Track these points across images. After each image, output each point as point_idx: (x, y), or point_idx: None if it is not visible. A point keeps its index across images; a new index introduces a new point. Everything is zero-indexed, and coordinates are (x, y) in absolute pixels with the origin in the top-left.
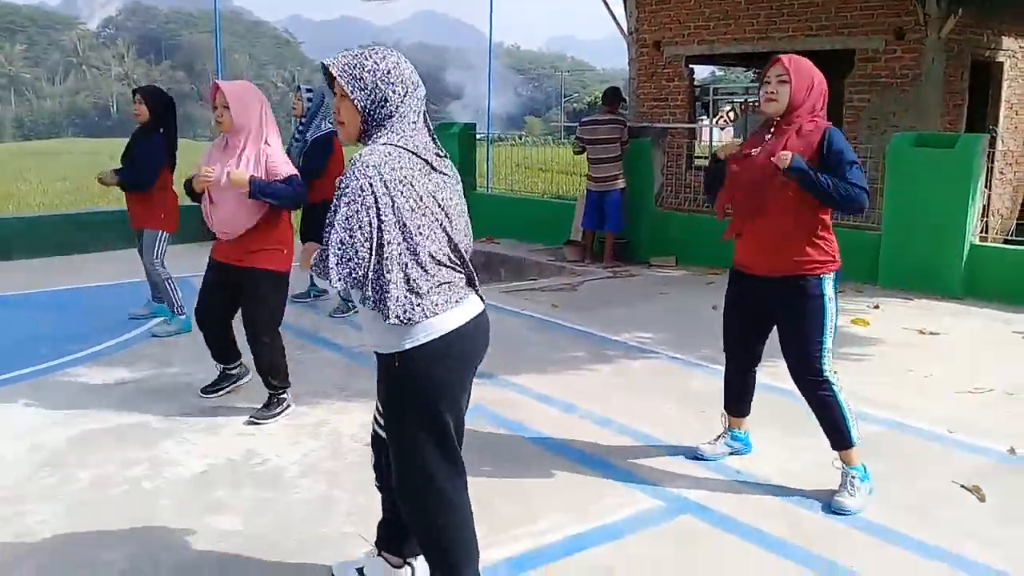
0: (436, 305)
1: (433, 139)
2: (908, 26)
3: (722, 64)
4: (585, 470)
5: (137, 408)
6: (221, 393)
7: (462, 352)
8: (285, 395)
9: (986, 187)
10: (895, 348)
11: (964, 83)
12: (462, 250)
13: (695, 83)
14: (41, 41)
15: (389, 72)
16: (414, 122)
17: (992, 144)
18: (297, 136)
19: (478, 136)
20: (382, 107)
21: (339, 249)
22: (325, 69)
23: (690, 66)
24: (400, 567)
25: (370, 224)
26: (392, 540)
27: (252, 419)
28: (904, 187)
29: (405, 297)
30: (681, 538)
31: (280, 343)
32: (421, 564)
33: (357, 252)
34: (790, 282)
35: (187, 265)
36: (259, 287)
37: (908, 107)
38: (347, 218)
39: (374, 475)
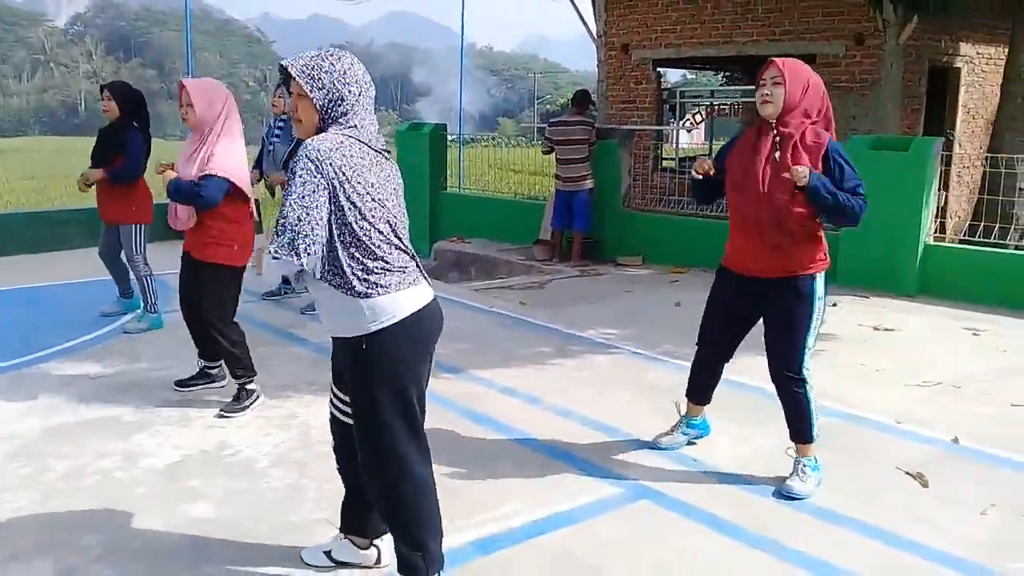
0: (391, 285)
1: (379, 137)
2: (867, 32)
3: (690, 67)
4: (547, 459)
5: (110, 401)
6: (195, 389)
7: (421, 332)
8: (253, 386)
9: (943, 189)
10: (849, 344)
11: (922, 88)
12: (406, 241)
13: (664, 86)
14: (7, 38)
15: (345, 73)
16: (363, 118)
17: (949, 148)
18: (279, 133)
19: (450, 137)
20: (338, 105)
21: (296, 226)
22: (283, 69)
23: (658, 69)
24: (366, 548)
25: (324, 203)
26: (356, 523)
27: (222, 412)
28: None
29: (361, 274)
30: (638, 522)
31: (235, 335)
32: (386, 545)
33: (313, 229)
34: (786, 282)
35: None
36: (204, 277)
37: (867, 111)
38: (302, 197)
39: (335, 456)
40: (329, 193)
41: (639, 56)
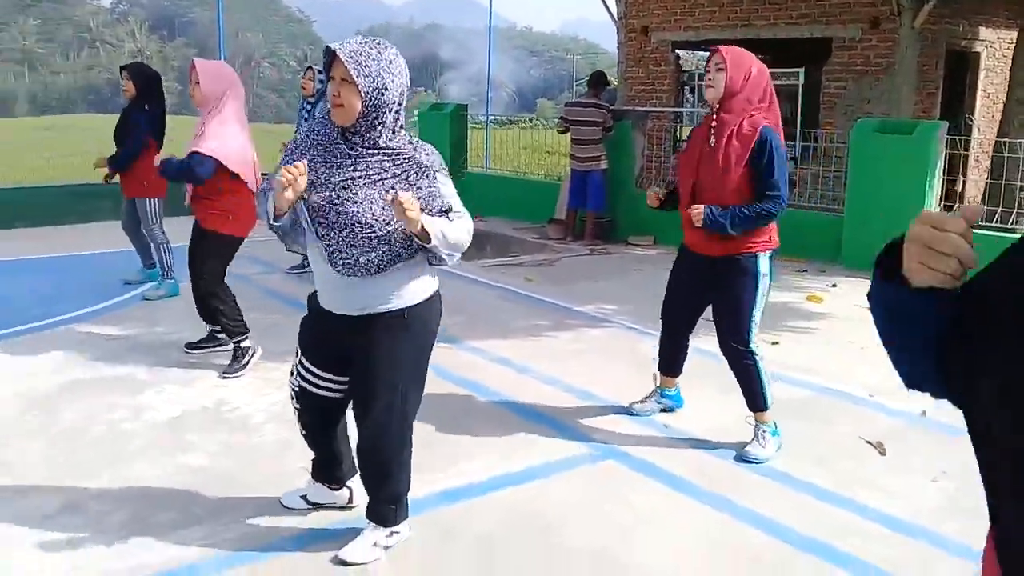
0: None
1: None
2: (883, 16)
3: (708, 50)
4: (524, 421)
5: (124, 361)
6: (203, 351)
7: (440, 308)
8: (247, 343)
9: (961, 174)
10: (842, 322)
11: (939, 72)
12: None
13: (684, 69)
14: (55, 16)
15: (391, 62)
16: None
17: (968, 132)
18: (305, 115)
19: (483, 119)
20: (382, 94)
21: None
22: (331, 52)
23: (677, 51)
24: (338, 490)
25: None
26: (328, 471)
27: (224, 374)
28: (866, 172)
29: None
30: (599, 480)
31: (223, 294)
32: (357, 485)
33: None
34: (731, 260)
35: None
36: (200, 243)
37: (882, 95)
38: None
39: (300, 429)
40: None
41: (658, 38)
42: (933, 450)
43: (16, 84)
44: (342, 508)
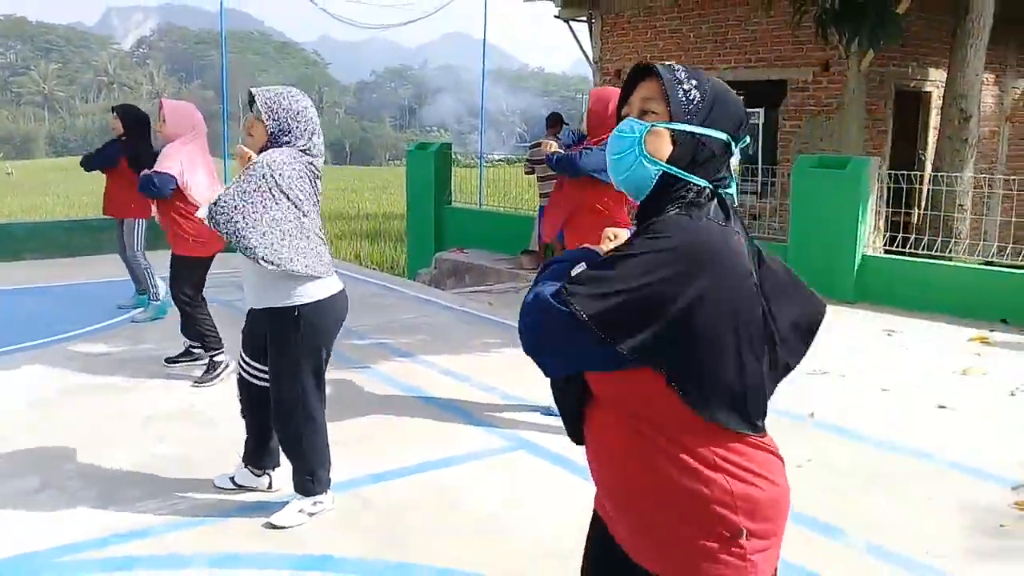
0: (313, 267)
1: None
2: (833, 59)
3: None
4: (454, 419)
5: (110, 373)
6: (180, 365)
7: (335, 311)
8: (221, 357)
9: (917, 207)
10: None
11: (887, 111)
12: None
13: None
14: (75, 60)
15: (299, 113)
16: (306, 144)
17: (923, 167)
18: None
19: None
20: (285, 135)
21: (227, 205)
22: (251, 95)
23: None
24: (260, 475)
25: (264, 198)
26: (254, 456)
27: (197, 382)
28: (806, 203)
29: (290, 252)
30: (509, 466)
31: (200, 313)
32: (277, 474)
33: (233, 212)
34: None
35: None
36: (175, 268)
37: (832, 133)
38: (246, 191)
39: (240, 414)
40: (270, 190)
41: None
42: (805, 442)
43: (37, 127)
44: (263, 491)
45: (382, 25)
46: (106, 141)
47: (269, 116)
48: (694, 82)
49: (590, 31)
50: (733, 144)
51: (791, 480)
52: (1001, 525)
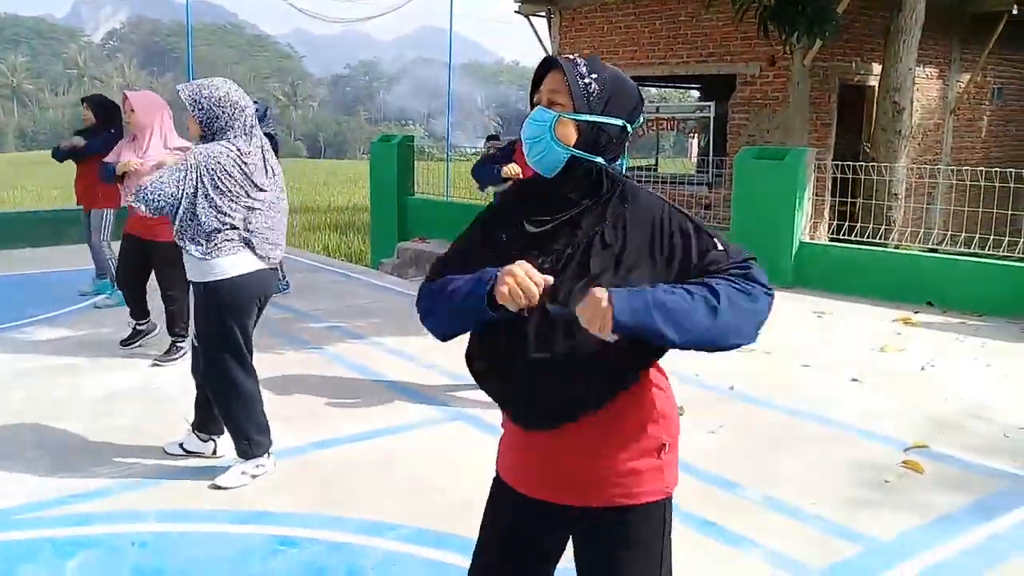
0: (220, 250)
1: (262, 148)
2: (779, 54)
3: (644, 85)
4: (394, 394)
5: (71, 354)
6: (135, 345)
7: (248, 287)
8: (183, 344)
9: (862, 197)
10: None
11: (832, 104)
12: (259, 226)
13: None
14: (44, 52)
15: (220, 100)
16: (240, 133)
17: (866, 158)
18: None
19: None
20: (215, 123)
21: (156, 187)
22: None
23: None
24: (207, 441)
25: (181, 183)
26: (202, 422)
27: (156, 362)
28: (746, 193)
29: (199, 238)
30: (445, 435)
31: (183, 302)
32: (220, 440)
33: (162, 195)
34: None
35: None
36: (163, 254)
37: (778, 125)
38: (170, 174)
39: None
40: (193, 179)
41: None
42: (722, 410)
43: (6, 120)
44: (208, 457)
45: (345, 19)
46: (76, 130)
47: (194, 108)
48: (594, 75)
49: (549, 26)
50: (629, 127)
51: (703, 444)
52: (886, 480)
